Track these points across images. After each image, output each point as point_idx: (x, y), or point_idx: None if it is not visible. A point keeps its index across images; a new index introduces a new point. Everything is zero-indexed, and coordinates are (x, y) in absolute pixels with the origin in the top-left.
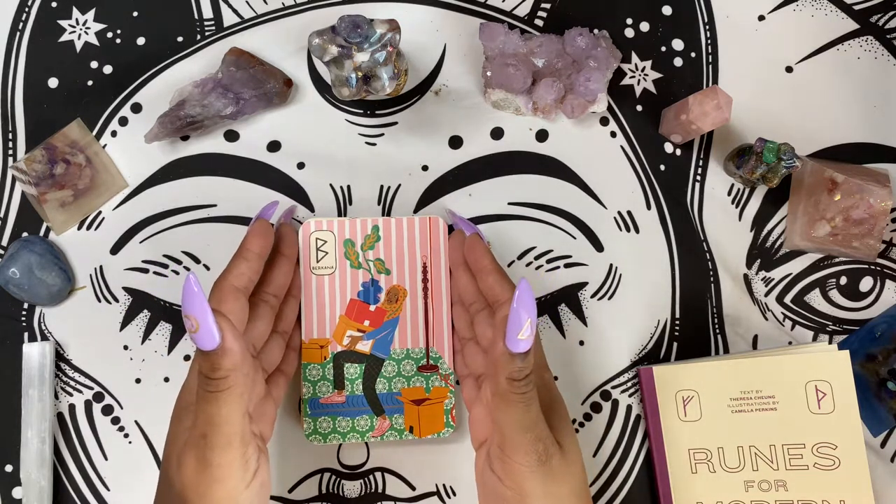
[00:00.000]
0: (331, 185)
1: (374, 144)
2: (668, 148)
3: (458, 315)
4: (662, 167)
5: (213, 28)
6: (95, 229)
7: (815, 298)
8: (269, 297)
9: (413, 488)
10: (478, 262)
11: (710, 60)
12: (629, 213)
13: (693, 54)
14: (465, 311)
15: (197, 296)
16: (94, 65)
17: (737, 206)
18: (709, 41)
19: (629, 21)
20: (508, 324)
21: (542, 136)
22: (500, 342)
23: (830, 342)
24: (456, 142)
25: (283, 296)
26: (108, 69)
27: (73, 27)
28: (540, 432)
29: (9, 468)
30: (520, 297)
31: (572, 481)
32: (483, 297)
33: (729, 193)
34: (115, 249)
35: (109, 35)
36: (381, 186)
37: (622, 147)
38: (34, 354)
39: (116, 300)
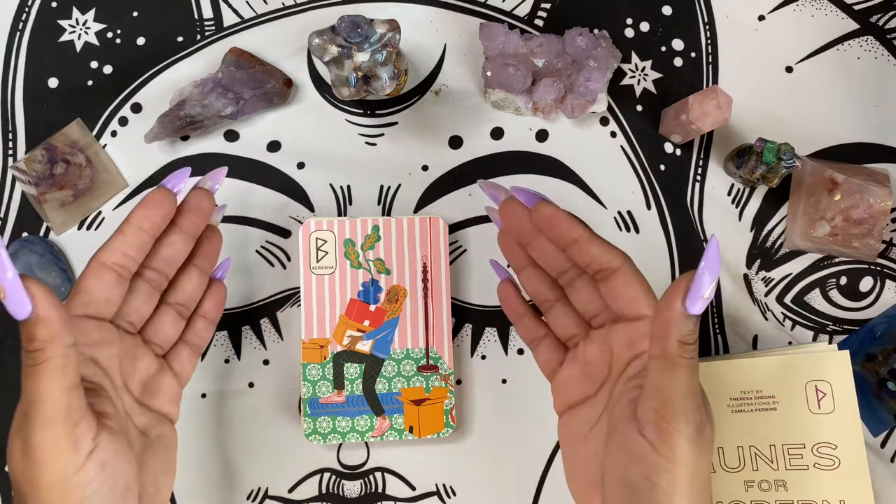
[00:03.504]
0: (331, 185)
1: (374, 144)
2: (668, 148)
3: (533, 277)
4: (662, 167)
5: (213, 28)
6: (95, 229)
7: (815, 298)
8: (148, 272)
9: (413, 488)
10: (568, 233)
11: (710, 60)
12: (629, 213)
13: (693, 54)
14: (542, 274)
15: (4, 260)
16: (94, 65)
17: (737, 206)
18: (709, 41)
19: (629, 21)
20: (693, 282)
21: (542, 136)
22: (677, 302)
23: (830, 342)
24: (456, 142)
25: (170, 270)
26: (108, 69)
27: (73, 27)
28: (700, 400)
29: None
30: (708, 256)
31: (711, 457)
32: (574, 265)
33: (729, 193)
34: None
35: (109, 35)
36: (381, 186)
37: (622, 147)
38: None
39: None
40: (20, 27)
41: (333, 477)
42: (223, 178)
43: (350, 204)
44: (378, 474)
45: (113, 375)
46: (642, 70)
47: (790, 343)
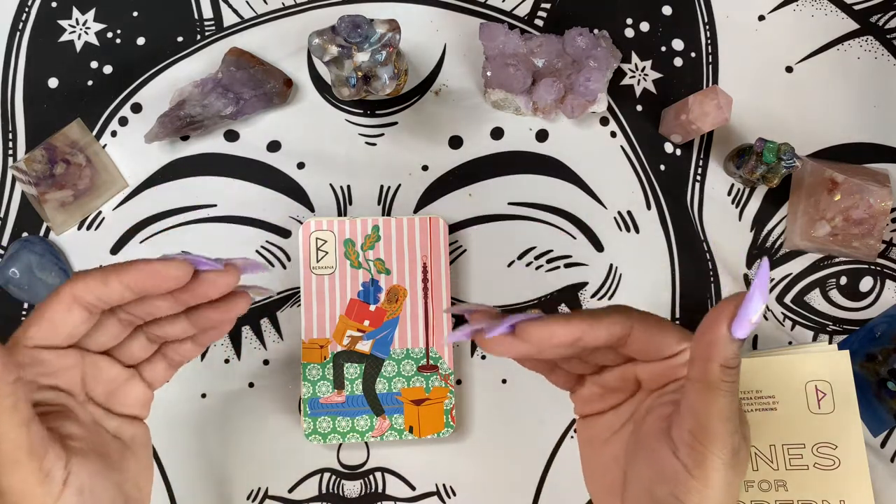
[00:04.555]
0: (331, 185)
1: (374, 144)
2: (668, 148)
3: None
4: (662, 167)
5: (213, 28)
6: (95, 229)
7: (815, 298)
8: (122, 314)
9: (413, 488)
10: (568, 338)
11: (710, 60)
12: (629, 213)
13: (693, 54)
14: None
15: None
16: (94, 65)
17: (737, 206)
18: (709, 41)
19: (629, 21)
20: (743, 306)
21: (542, 136)
22: (723, 326)
23: (830, 342)
24: (456, 142)
25: (147, 317)
26: (108, 69)
27: (73, 27)
28: (737, 423)
29: None
30: (760, 279)
31: (744, 477)
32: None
33: (729, 193)
34: (115, 249)
35: (109, 35)
36: (381, 186)
37: (622, 147)
38: None
39: None
40: (20, 27)
41: (333, 477)
42: (259, 271)
43: (350, 204)
44: (378, 474)
45: (75, 392)
46: (642, 70)
47: (790, 343)
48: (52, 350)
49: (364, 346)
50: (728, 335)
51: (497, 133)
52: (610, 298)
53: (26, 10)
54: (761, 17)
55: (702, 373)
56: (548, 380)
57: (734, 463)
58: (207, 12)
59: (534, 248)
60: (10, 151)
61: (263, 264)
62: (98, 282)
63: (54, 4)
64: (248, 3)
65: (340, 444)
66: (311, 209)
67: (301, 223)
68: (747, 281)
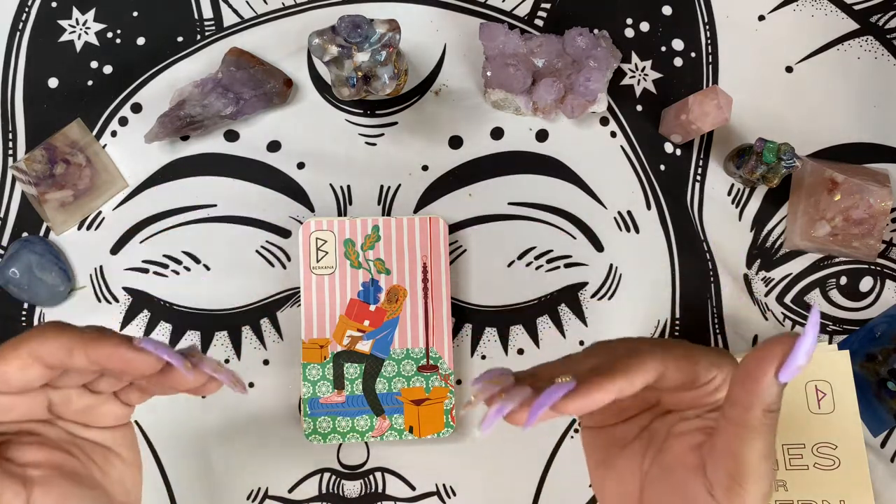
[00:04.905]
0: (331, 185)
1: (374, 144)
2: (668, 148)
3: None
4: (662, 167)
5: (213, 28)
6: (95, 229)
7: (815, 298)
8: (85, 374)
9: (413, 488)
10: (612, 395)
11: (710, 60)
12: (629, 213)
13: (693, 54)
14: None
15: None
16: (94, 65)
17: (737, 206)
18: (709, 41)
19: (629, 21)
20: (794, 352)
21: (542, 136)
22: (771, 373)
23: (830, 342)
24: (456, 142)
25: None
26: (108, 69)
27: (73, 27)
28: (774, 460)
29: None
30: (812, 326)
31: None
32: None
33: (729, 193)
34: (115, 249)
35: (109, 35)
36: (381, 186)
37: (622, 147)
38: None
39: (116, 300)
40: (20, 27)
41: (333, 477)
42: (236, 390)
43: (350, 204)
44: (378, 474)
45: (41, 417)
46: (642, 70)
47: None
48: (9, 395)
49: (364, 346)
50: (774, 380)
51: (497, 133)
52: (610, 298)
53: (26, 10)
54: (761, 17)
55: (742, 417)
56: None
57: (767, 497)
58: (207, 12)
59: (534, 248)
60: (10, 151)
61: (242, 385)
62: (62, 351)
63: (54, 4)
64: (248, 3)
65: (340, 444)
66: (311, 209)
67: (301, 223)
68: (747, 280)
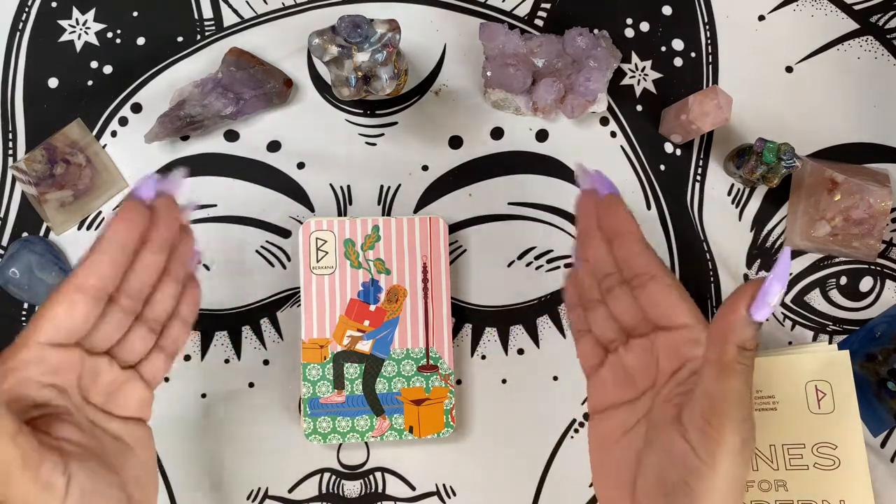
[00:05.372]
0: (331, 185)
1: (374, 144)
2: (668, 148)
3: (585, 274)
4: (662, 167)
5: (213, 28)
6: (95, 229)
7: (815, 298)
8: (123, 299)
9: (413, 488)
10: (618, 225)
11: (710, 60)
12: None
13: (693, 54)
14: (594, 276)
15: None
16: (94, 65)
17: (737, 206)
18: (709, 41)
19: (629, 21)
20: (762, 288)
21: (542, 136)
22: (742, 307)
23: (830, 342)
24: (456, 142)
25: (146, 291)
26: (108, 69)
27: (73, 27)
28: (749, 412)
29: None
30: (781, 264)
31: (748, 472)
32: (619, 268)
33: (729, 193)
34: None
35: (109, 35)
36: (381, 186)
37: (622, 147)
38: None
39: None
40: (20, 27)
41: (333, 477)
42: (182, 181)
43: (350, 204)
44: (378, 474)
45: (72, 394)
46: (642, 70)
47: (790, 343)
48: (58, 348)
49: (364, 346)
50: (746, 317)
51: (497, 133)
52: None
53: (26, 10)
54: (761, 17)
55: (718, 354)
56: (576, 351)
57: (742, 452)
58: (207, 12)
59: (534, 248)
60: (10, 151)
61: (180, 172)
62: (92, 257)
63: (54, 4)
64: (248, 3)
65: (340, 444)
66: (311, 209)
67: (301, 223)
68: (747, 280)
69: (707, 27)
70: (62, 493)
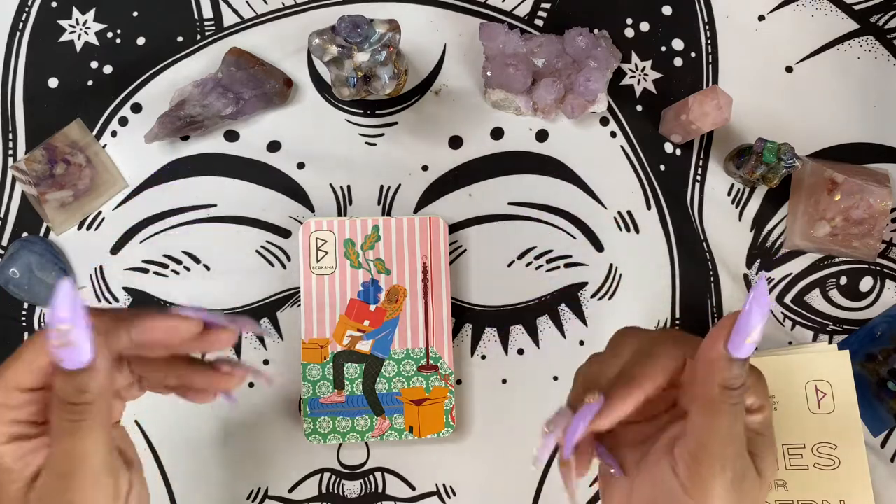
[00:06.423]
0: (331, 185)
1: (374, 144)
2: (668, 148)
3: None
4: (662, 167)
5: (213, 28)
6: (95, 229)
7: (815, 298)
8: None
9: (413, 488)
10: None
11: (710, 60)
12: (629, 213)
13: (693, 54)
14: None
15: (75, 299)
16: (94, 65)
17: (737, 206)
18: (709, 41)
19: (629, 21)
20: (740, 321)
21: (542, 136)
22: (720, 344)
23: (830, 342)
24: (456, 142)
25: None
26: (108, 69)
27: (73, 27)
28: (741, 448)
29: None
30: (757, 295)
31: (760, 498)
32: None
33: (729, 193)
34: (115, 249)
35: (109, 35)
36: (381, 186)
37: (622, 147)
38: None
39: (116, 300)
40: (20, 27)
41: (333, 477)
42: (253, 330)
43: (350, 204)
44: (378, 474)
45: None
46: (642, 70)
47: (790, 343)
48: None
49: (364, 346)
50: (726, 354)
51: (497, 133)
52: (610, 298)
53: (26, 10)
54: (761, 17)
55: (703, 392)
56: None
57: (738, 488)
58: (207, 12)
59: (534, 248)
60: (10, 151)
61: (258, 326)
62: (113, 331)
63: (54, 4)
64: (248, 3)
65: (340, 444)
66: (311, 209)
67: (301, 223)
68: (747, 281)
69: (707, 27)
70: (124, 501)
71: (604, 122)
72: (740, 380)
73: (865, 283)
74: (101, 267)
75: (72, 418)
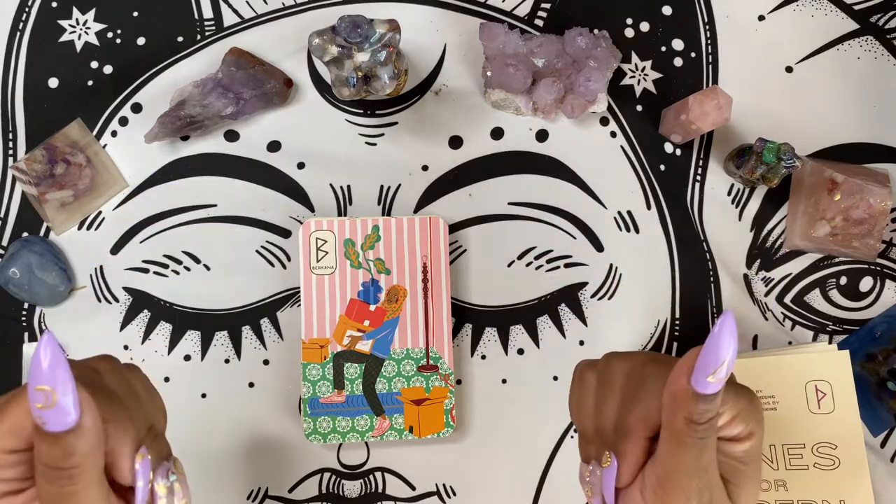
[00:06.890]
0: (331, 185)
1: (374, 144)
2: (668, 148)
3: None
4: (662, 167)
5: (213, 28)
6: (95, 229)
7: (815, 298)
8: None
9: (413, 488)
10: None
11: (710, 60)
12: (629, 213)
13: (693, 54)
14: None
15: (60, 361)
16: (94, 65)
17: (737, 206)
18: (709, 41)
19: (629, 21)
20: (699, 358)
21: (542, 136)
22: (683, 378)
23: (830, 342)
24: (456, 142)
25: None
26: (108, 69)
27: (73, 27)
28: (709, 480)
29: None
30: (720, 331)
31: None
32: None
33: (729, 193)
34: (115, 249)
35: (109, 35)
36: (381, 186)
37: (622, 147)
38: None
39: (116, 300)
40: (20, 27)
41: (333, 477)
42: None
43: (350, 204)
44: (378, 474)
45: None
46: (642, 70)
47: (790, 343)
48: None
49: (364, 346)
50: (690, 389)
51: (497, 133)
52: (610, 298)
53: (26, 10)
54: (761, 17)
55: (668, 423)
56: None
57: None
58: (207, 12)
59: (534, 248)
60: (10, 151)
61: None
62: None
63: (54, 4)
64: (248, 3)
65: (340, 444)
66: (311, 209)
67: (301, 223)
68: (747, 280)
69: (707, 27)
70: None
71: (604, 122)
72: (707, 414)
73: (865, 283)
74: (101, 267)
75: (62, 485)
